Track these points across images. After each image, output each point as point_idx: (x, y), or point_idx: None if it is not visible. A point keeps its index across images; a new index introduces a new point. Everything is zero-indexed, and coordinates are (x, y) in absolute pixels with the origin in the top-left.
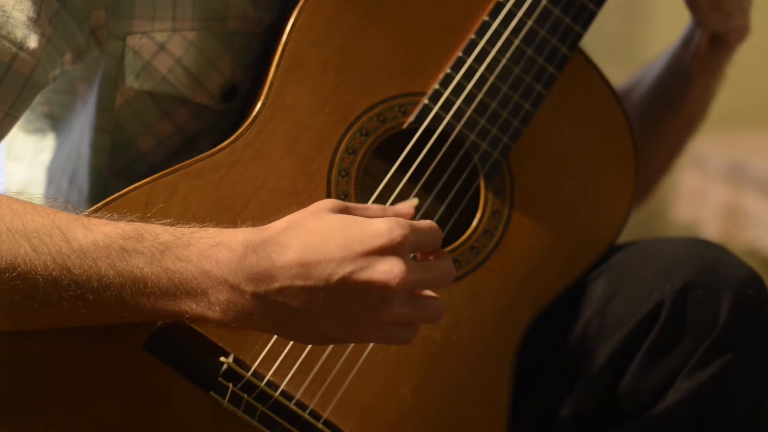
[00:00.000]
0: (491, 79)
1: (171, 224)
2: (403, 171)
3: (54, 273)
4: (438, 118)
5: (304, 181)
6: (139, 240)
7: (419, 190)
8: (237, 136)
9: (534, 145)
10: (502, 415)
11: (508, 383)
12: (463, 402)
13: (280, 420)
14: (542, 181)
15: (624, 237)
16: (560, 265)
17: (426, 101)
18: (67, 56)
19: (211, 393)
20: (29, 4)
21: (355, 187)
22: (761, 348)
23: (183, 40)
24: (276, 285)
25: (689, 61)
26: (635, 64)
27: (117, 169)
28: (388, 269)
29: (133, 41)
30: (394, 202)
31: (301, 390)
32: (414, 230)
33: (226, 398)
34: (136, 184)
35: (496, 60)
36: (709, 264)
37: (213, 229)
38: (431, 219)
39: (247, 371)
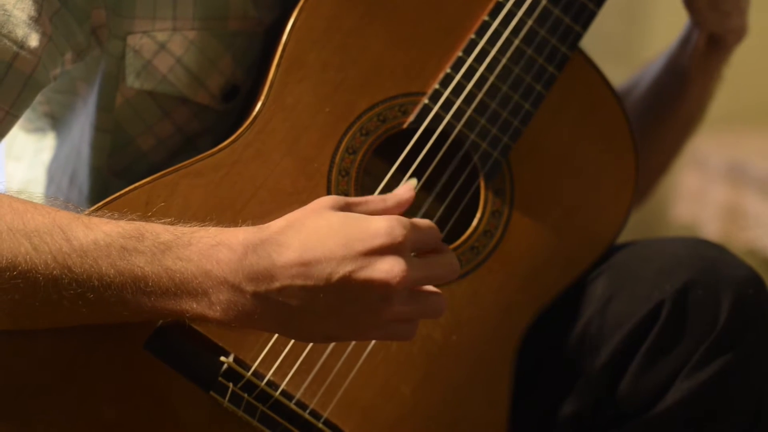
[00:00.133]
0: (491, 79)
1: (171, 223)
2: (403, 171)
3: (55, 272)
4: (438, 118)
5: (304, 181)
6: (140, 239)
7: (419, 190)
8: (237, 135)
9: (534, 145)
10: (502, 414)
11: (508, 383)
12: (464, 402)
13: (280, 420)
14: (542, 181)
15: (624, 237)
16: (560, 265)
17: (426, 101)
18: (68, 55)
19: (212, 393)
20: (30, 2)
21: (355, 186)
22: (761, 348)
23: (183, 40)
24: (276, 284)
25: (687, 61)
26: (635, 64)
27: (117, 169)
28: (389, 268)
29: (133, 41)
30: None
31: (302, 390)
32: (415, 229)
33: (227, 398)
34: (137, 184)
35: (496, 60)
36: (710, 264)
37: (213, 228)
38: (431, 219)
39: (248, 371)
